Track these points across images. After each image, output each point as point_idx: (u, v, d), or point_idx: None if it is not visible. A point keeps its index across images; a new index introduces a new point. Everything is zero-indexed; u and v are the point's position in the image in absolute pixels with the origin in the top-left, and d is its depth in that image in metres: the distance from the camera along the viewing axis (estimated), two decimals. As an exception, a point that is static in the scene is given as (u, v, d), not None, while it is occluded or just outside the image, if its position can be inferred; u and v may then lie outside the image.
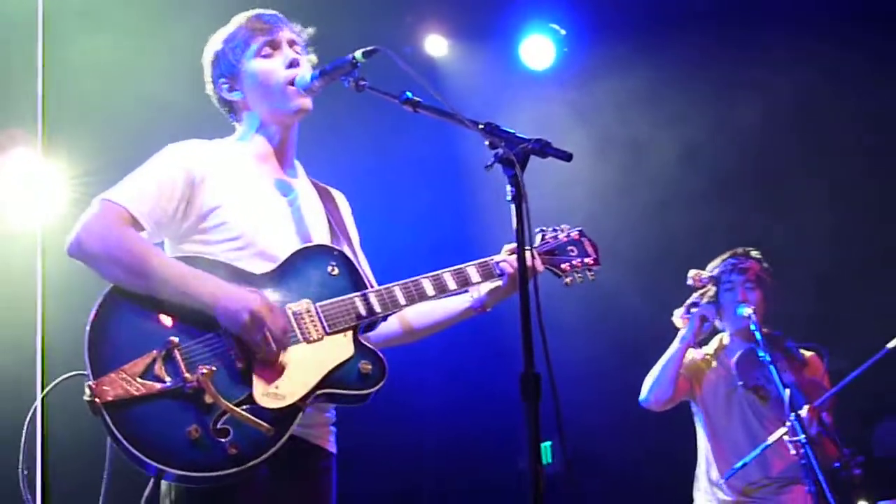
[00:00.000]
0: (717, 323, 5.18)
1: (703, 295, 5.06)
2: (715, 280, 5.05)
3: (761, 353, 4.69)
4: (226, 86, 3.17)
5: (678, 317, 5.07)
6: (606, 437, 6.68)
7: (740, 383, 5.00)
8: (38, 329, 4.77)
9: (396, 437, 6.81)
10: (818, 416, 4.60)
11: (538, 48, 7.08)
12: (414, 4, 6.71)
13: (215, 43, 3.22)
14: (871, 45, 6.42)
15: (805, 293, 6.36)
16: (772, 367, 4.63)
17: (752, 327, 4.73)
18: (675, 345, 5.03)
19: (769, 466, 4.86)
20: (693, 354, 5.16)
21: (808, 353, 5.12)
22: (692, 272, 5.03)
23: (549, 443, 6.12)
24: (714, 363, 5.19)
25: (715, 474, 4.99)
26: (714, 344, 5.26)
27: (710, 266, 5.16)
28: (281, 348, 2.81)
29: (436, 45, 6.93)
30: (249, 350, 2.79)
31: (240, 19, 3.21)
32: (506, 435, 5.90)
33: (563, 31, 7.04)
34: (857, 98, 6.66)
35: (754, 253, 5.20)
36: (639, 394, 5.13)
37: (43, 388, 4.76)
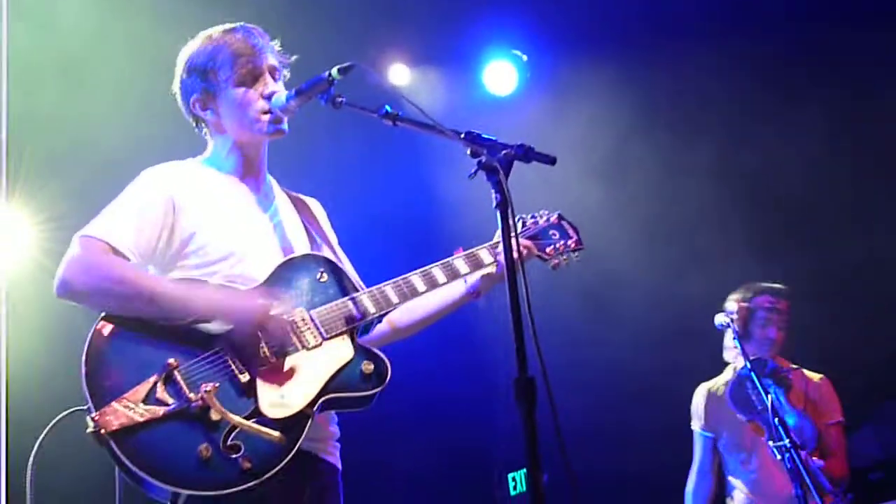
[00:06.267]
0: (729, 353, 5.19)
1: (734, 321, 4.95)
2: (749, 310, 5.16)
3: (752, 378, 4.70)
4: (198, 103, 3.12)
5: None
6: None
7: (739, 417, 5.04)
8: (3, 373, 4.69)
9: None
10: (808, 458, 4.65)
11: (501, 74, 7.10)
12: (376, 35, 6.69)
13: (195, 52, 3.12)
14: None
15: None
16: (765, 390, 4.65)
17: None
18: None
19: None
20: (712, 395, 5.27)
21: (816, 377, 5.23)
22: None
23: (522, 471, 6.07)
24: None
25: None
26: (727, 373, 5.30)
27: (743, 293, 5.24)
28: (282, 354, 2.80)
29: (399, 74, 6.94)
30: (251, 361, 2.77)
31: (225, 35, 3.11)
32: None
33: (524, 57, 7.07)
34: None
35: (785, 291, 5.29)
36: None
37: (7, 429, 4.66)
